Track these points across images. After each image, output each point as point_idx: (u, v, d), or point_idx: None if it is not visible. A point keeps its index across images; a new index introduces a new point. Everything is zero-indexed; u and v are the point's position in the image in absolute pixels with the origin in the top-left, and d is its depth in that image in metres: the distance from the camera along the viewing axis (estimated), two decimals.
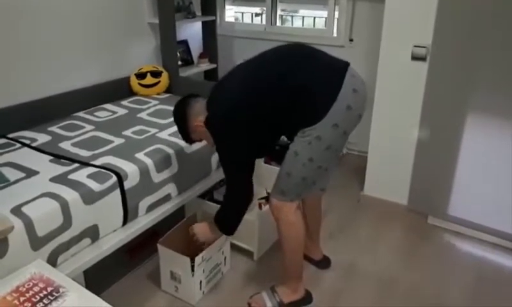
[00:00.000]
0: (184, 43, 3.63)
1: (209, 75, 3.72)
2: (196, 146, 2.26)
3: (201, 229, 1.97)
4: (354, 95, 1.63)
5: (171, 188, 2.12)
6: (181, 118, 1.86)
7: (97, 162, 1.95)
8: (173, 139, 2.24)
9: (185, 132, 1.88)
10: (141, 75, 3.07)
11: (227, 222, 1.88)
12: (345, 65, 1.67)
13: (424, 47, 2.39)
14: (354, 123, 1.70)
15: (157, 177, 2.03)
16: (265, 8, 3.77)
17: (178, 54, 3.43)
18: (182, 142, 2.21)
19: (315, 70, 1.64)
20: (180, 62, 3.46)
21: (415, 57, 2.44)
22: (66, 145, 2.16)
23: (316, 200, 2.12)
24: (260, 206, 2.30)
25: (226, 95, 1.71)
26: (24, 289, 1.32)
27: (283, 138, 1.83)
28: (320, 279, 2.17)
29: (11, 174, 1.83)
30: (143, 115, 2.63)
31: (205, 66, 3.67)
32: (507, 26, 2.12)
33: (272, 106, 1.64)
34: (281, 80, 1.62)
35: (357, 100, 1.65)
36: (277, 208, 1.79)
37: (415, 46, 2.42)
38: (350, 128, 1.70)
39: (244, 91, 1.67)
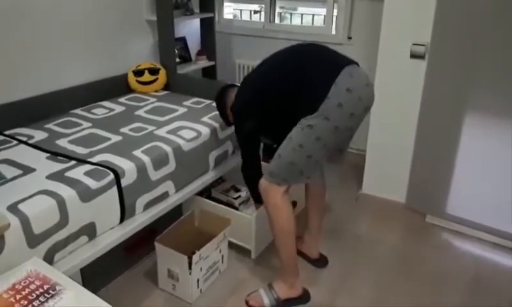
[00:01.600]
0: (182, 40, 3.62)
1: (207, 72, 3.71)
2: (194, 144, 2.26)
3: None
4: (347, 94, 1.69)
5: (168, 186, 2.12)
6: (220, 105, 2.20)
7: (94, 160, 1.94)
8: (170, 136, 2.23)
9: (224, 116, 2.21)
10: (138, 72, 3.06)
11: (254, 193, 2.12)
12: (345, 63, 1.74)
13: (422, 45, 2.39)
14: (347, 121, 1.73)
15: (154, 175, 2.03)
16: (263, 5, 3.76)
17: (176, 51, 3.41)
18: (179, 140, 2.21)
19: (319, 66, 1.78)
20: (178, 60, 3.45)
21: (413, 55, 2.44)
22: (63, 142, 2.15)
23: (319, 196, 2.15)
24: None
25: (245, 92, 1.99)
26: (20, 287, 1.31)
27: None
28: (317, 278, 2.17)
29: (8, 171, 1.81)
30: (141, 112, 2.62)
31: (203, 63, 3.66)
32: (506, 25, 2.12)
33: (278, 102, 1.83)
34: (291, 74, 1.80)
35: (350, 100, 1.70)
36: (265, 190, 1.85)
37: (414, 44, 2.41)
38: (344, 126, 1.73)
39: (259, 91, 1.90)
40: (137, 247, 2.18)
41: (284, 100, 1.81)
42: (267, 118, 1.91)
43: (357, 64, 1.80)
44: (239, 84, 2.13)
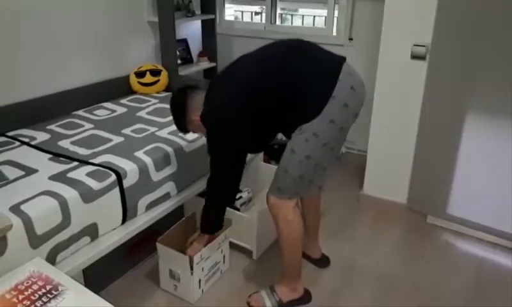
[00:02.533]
0: (184, 41, 3.63)
1: (209, 73, 3.72)
2: (196, 144, 2.26)
3: (193, 249, 1.96)
4: (352, 93, 1.63)
5: (170, 187, 2.12)
6: (178, 109, 1.85)
7: (96, 161, 1.95)
8: (172, 137, 2.24)
9: (182, 123, 1.87)
10: (140, 74, 3.07)
11: (208, 220, 1.90)
12: (340, 61, 1.66)
13: (423, 46, 2.39)
14: (350, 121, 1.70)
15: (156, 176, 2.03)
16: (264, 7, 3.77)
17: (178, 53, 3.42)
18: (181, 141, 2.21)
19: (313, 65, 1.64)
20: (179, 61, 3.46)
21: (414, 56, 2.44)
22: (65, 143, 2.16)
23: (315, 198, 2.12)
24: None
25: (229, 85, 1.69)
26: (23, 287, 1.32)
27: (282, 137, 1.83)
28: (319, 278, 2.17)
29: (10, 172, 1.82)
30: (142, 113, 2.63)
31: (205, 64, 3.67)
32: (507, 26, 2.12)
33: (272, 98, 1.64)
34: (282, 73, 1.63)
35: (354, 99, 1.64)
36: (275, 206, 1.78)
37: (415, 45, 2.41)
38: (347, 126, 1.69)
39: (246, 82, 1.66)
40: (139, 247, 2.18)
41: (280, 102, 1.63)
42: (256, 124, 1.68)
43: (345, 59, 1.70)
44: (199, 86, 1.88)
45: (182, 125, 1.88)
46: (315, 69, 1.63)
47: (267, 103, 1.65)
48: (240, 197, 2.39)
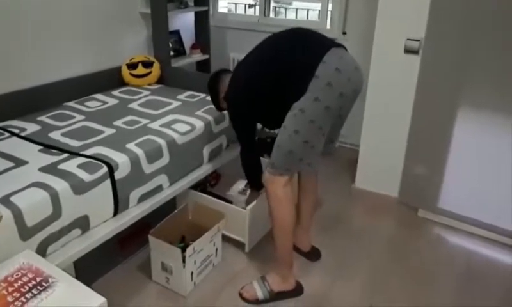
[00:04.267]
0: (176, 33, 3.60)
1: (201, 66, 3.70)
2: (188, 137, 2.25)
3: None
4: (337, 74, 1.68)
5: (162, 180, 2.11)
6: (212, 90, 2.17)
7: (88, 152, 1.93)
8: (164, 129, 2.23)
9: (216, 102, 2.19)
10: (132, 65, 3.04)
11: (250, 178, 2.13)
12: (333, 45, 1.76)
13: (417, 40, 2.39)
14: (338, 101, 1.72)
15: (148, 168, 2.02)
16: (258, 0, 3.74)
17: (170, 45, 3.40)
18: (173, 133, 2.20)
19: (307, 46, 1.77)
20: (172, 53, 3.44)
21: (407, 51, 2.44)
22: (56, 135, 2.13)
23: (312, 184, 2.15)
24: None
25: (240, 75, 1.95)
26: (13, 279, 1.30)
27: (275, 131, 1.85)
28: (310, 271, 2.18)
29: (0, 163, 1.80)
30: (134, 105, 2.61)
31: (197, 57, 3.64)
32: (501, 21, 2.13)
33: (273, 78, 1.79)
34: (280, 56, 1.79)
35: (340, 80, 1.69)
36: (268, 181, 1.85)
37: (408, 39, 2.42)
38: (334, 106, 1.72)
39: (254, 70, 1.87)
40: (131, 240, 2.17)
41: (274, 83, 1.78)
42: (260, 105, 1.88)
43: (345, 48, 1.81)
44: (231, 70, 2.11)
45: (217, 104, 2.19)
46: (307, 52, 1.75)
47: (267, 91, 1.81)
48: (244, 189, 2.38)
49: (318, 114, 1.70)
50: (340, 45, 1.79)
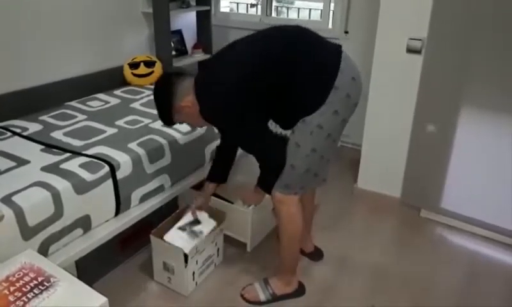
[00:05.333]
0: (178, 33, 3.60)
1: None
2: (190, 137, 2.25)
3: (248, 196, 2.06)
4: (353, 83, 1.61)
5: (164, 179, 2.11)
6: (164, 98, 1.69)
7: (89, 152, 1.93)
8: (166, 129, 2.22)
9: (168, 113, 1.71)
10: (134, 65, 3.04)
11: (267, 184, 1.79)
12: (339, 50, 1.63)
13: (419, 40, 2.39)
14: (351, 111, 1.69)
15: (149, 168, 2.02)
16: None
17: (172, 44, 3.39)
18: (175, 133, 2.20)
19: (312, 54, 1.59)
20: (174, 53, 3.43)
21: (410, 50, 2.43)
22: (58, 134, 2.14)
23: (309, 192, 2.11)
24: None
25: (230, 71, 1.60)
26: (14, 279, 1.30)
27: (281, 132, 1.81)
28: (313, 271, 2.17)
29: (2, 163, 1.80)
30: (136, 105, 2.61)
31: (199, 56, 3.63)
32: (504, 20, 2.12)
33: (270, 89, 1.59)
34: (279, 64, 1.58)
35: (355, 89, 1.63)
36: (281, 201, 1.75)
37: (411, 39, 2.41)
38: (348, 117, 1.68)
39: (251, 66, 1.59)
40: (133, 239, 2.17)
41: (279, 94, 1.59)
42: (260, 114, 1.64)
43: (340, 46, 1.66)
44: (186, 73, 1.77)
45: (167, 115, 1.73)
46: (315, 59, 1.58)
47: (265, 95, 1.60)
48: None
49: (335, 128, 1.63)
50: (340, 46, 1.66)
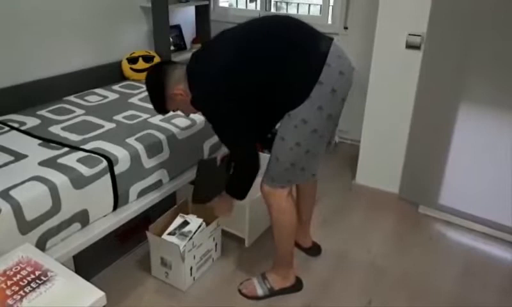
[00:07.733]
0: (177, 27, 3.59)
1: None
2: (188, 132, 2.24)
3: (217, 206, 1.96)
4: (341, 78, 1.58)
5: (162, 174, 2.11)
6: (156, 86, 1.71)
7: (87, 147, 1.93)
8: (164, 124, 2.22)
9: (160, 101, 1.72)
10: (132, 60, 3.03)
11: (239, 189, 1.78)
12: (328, 43, 1.59)
13: (418, 36, 2.38)
14: (338, 107, 1.67)
15: (148, 163, 2.02)
16: None
17: (171, 39, 3.39)
18: (174, 128, 2.20)
19: (298, 45, 1.58)
20: (172, 47, 3.43)
21: (409, 46, 2.43)
22: (55, 129, 2.13)
23: (310, 186, 2.10)
24: None
25: (219, 61, 1.61)
26: (12, 273, 1.30)
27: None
28: (310, 266, 2.18)
29: None
30: (134, 100, 2.60)
31: None
32: (503, 16, 2.11)
33: (257, 82, 1.60)
34: (266, 59, 1.58)
35: (343, 84, 1.61)
36: (268, 194, 1.78)
37: (410, 34, 2.40)
38: (335, 113, 1.66)
39: (237, 58, 1.60)
40: (131, 234, 2.17)
41: (266, 87, 1.59)
42: (248, 108, 1.63)
43: (332, 39, 1.63)
44: (177, 63, 1.78)
45: (160, 103, 1.74)
46: (301, 51, 1.57)
47: (251, 87, 1.60)
48: None
49: (320, 123, 1.61)
50: (331, 39, 1.63)
